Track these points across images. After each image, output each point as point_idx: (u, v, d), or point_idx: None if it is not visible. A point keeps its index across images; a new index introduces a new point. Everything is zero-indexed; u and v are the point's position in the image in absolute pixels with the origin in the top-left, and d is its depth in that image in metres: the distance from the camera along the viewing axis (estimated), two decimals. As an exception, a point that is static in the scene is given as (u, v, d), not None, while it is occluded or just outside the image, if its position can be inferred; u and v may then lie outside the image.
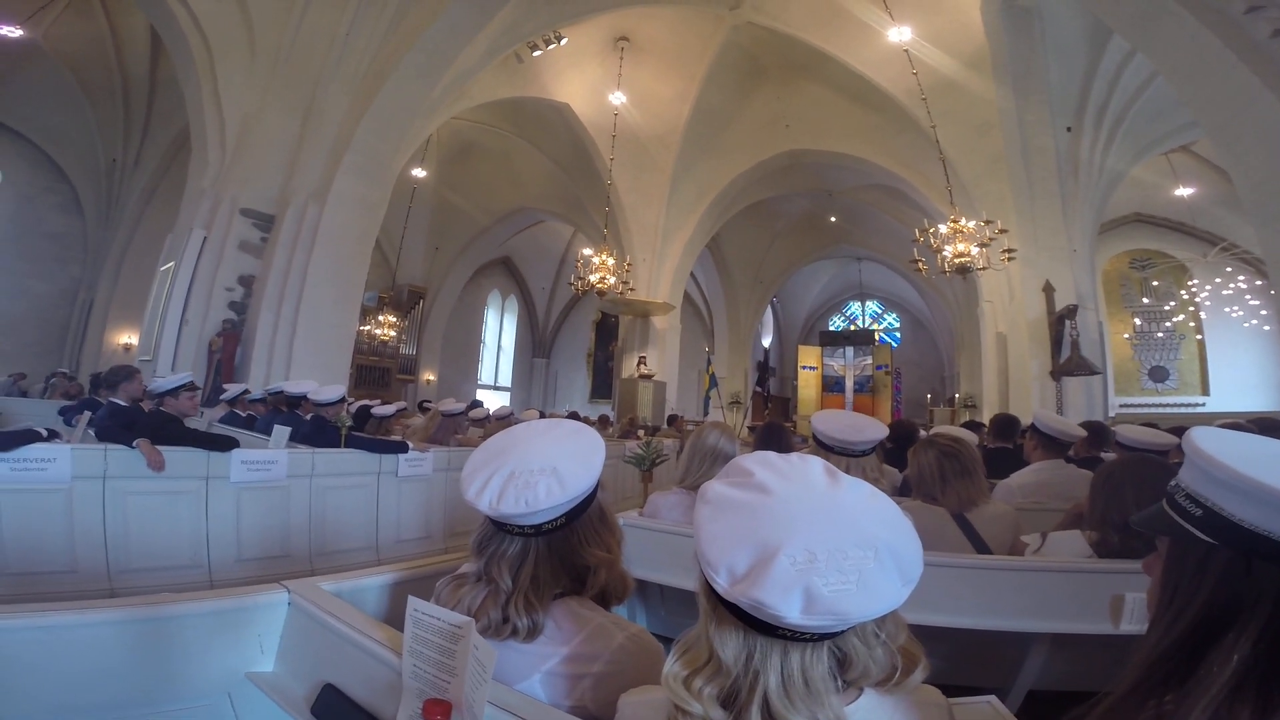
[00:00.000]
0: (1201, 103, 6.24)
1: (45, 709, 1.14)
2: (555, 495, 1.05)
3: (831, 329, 24.10)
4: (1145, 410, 14.46)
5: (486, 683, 0.83)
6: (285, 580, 1.38)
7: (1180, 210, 14.11)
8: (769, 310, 22.46)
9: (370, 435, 5.31)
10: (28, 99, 13.11)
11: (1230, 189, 9.58)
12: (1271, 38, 5.34)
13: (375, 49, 8.91)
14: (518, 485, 1.05)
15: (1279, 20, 5.31)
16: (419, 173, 14.49)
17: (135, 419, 3.83)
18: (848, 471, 0.81)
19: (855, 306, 24.78)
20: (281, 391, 5.69)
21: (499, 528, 1.12)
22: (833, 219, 17.71)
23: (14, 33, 10.23)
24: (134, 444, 3.56)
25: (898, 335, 23.85)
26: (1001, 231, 8.46)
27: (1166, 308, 14.81)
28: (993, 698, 1.10)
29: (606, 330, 20.47)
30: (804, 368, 20.84)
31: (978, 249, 8.59)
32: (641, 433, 8.79)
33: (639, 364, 13.34)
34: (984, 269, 8.90)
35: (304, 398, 5.26)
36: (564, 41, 10.87)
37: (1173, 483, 0.69)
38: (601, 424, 10.93)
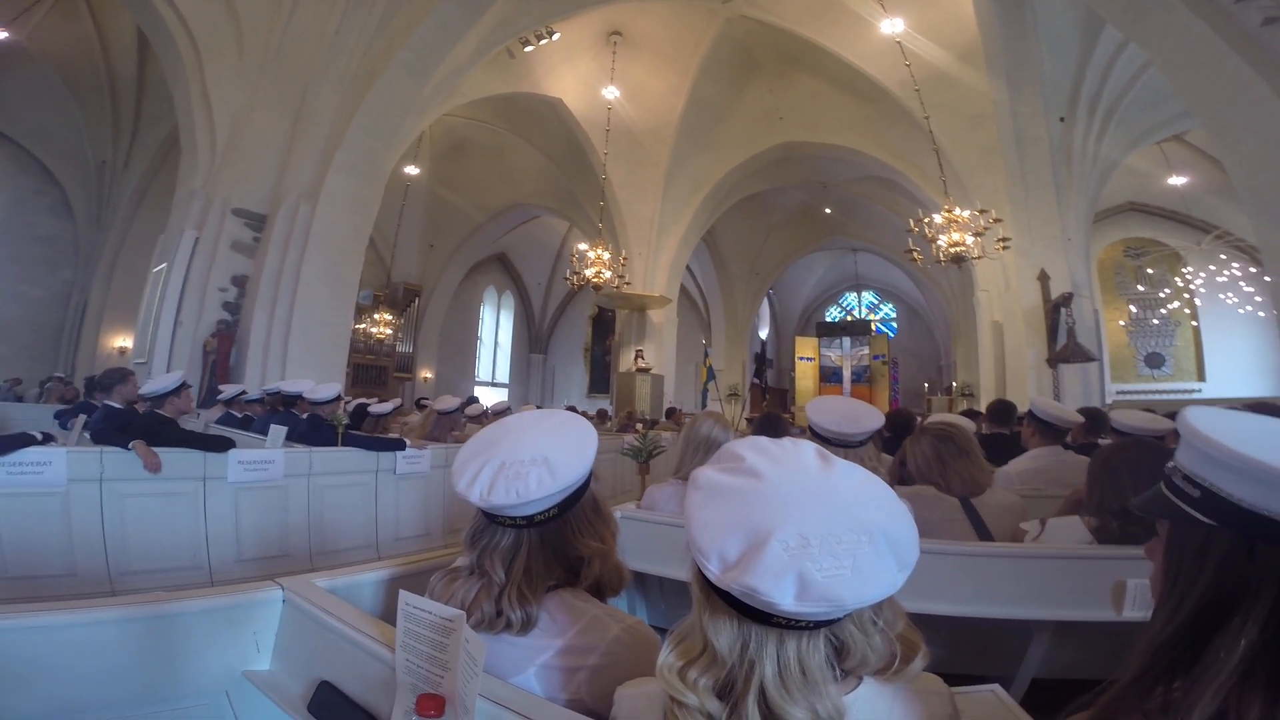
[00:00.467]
0: (1194, 92, 6.24)
1: (44, 709, 1.13)
2: (547, 485, 1.04)
3: (828, 320, 24.12)
4: (1142, 397, 14.52)
5: (478, 676, 0.82)
6: (281, 578, 1.38)
7: (1174, 199, 14.15)
8: (765, 302, 22.47)
9: (367, 434, 5.31)
10: (14, 101, 12.97)
11: (1223, 178, 9.61)
12: (1263, 26, 5.33)
13: (365, 47, 8.85)
14: (509, 476, 1.04)
15: (1270, 8, 5.30)
16: (412, 170, 14.42)
17: (130, 421, 3.82)
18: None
19: (851, 297, 24.79)
20: (278, 391, 5.68)
21: (491, 520, 1.11)
22: (828, 211, 17.69)
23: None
24: (129, 446, 3.55)
25: (894, 325, 23.87)
26: (996, 221, 8.47)
27: (1161, 295, 14.84)
28: (996, 686, 1.09)
29: (603, 325, 20.43)
30: (801, 359, 20.86)
31: (972, 238, 8.61)
32: (640, 426, 8.79)
33: (636, 358, 13.34)
34: (979, 258, 8.92)
35: (300, 397, 5.25)
36: (556, 37, 10.82)
37: (1170, 464, 0.68)
38: (600, 418, 10.94)
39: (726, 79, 12.46)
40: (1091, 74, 9.48)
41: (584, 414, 8.71)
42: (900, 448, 4.03)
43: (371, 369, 16.62)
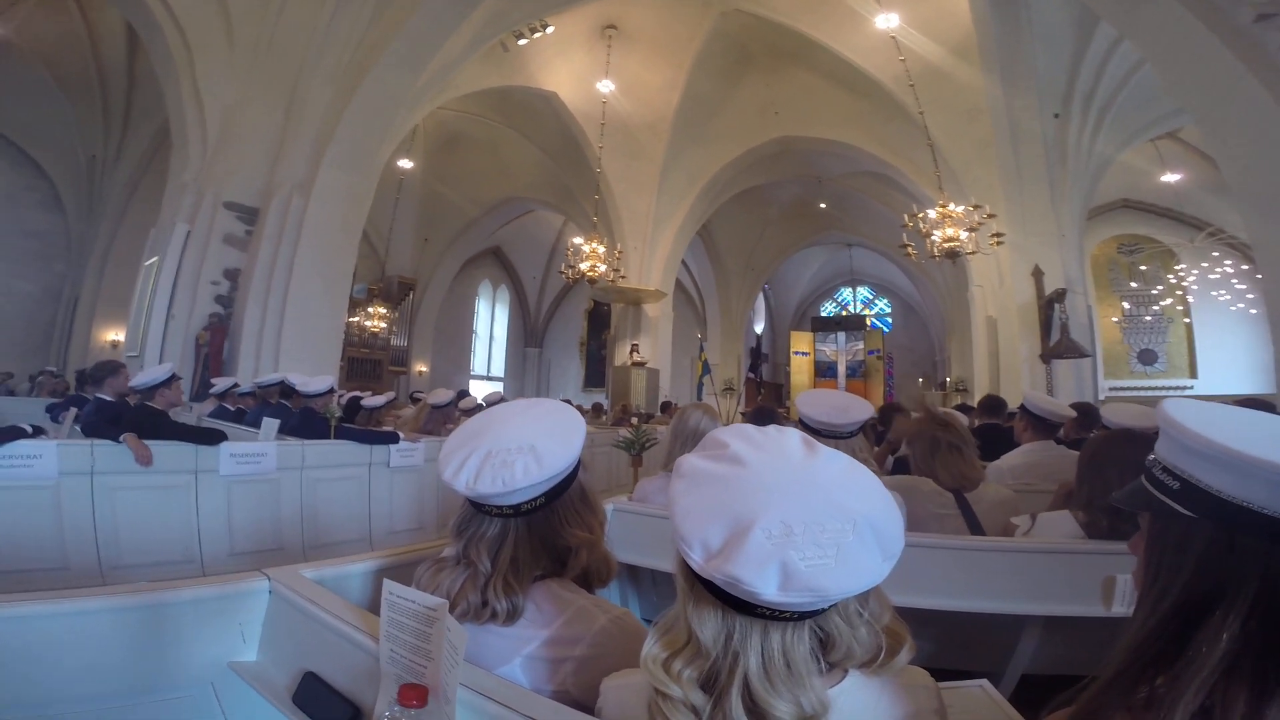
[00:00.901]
0: (1187, 88, 6.24)
1: (30, 699, 1.12)
2: (533, 474, 1.03)
3: (823, 315, 24.14)
4: (1134, 393, 14.60)
5: (459, 665, 0.82)
6: (268, 568, 1.37)
7: (1167, 196, 14.19)
8: (761, 297, 22.48)
9: (360, 427, 5.29)
10: (3, 96, 12.77)
11: (1216, 175, 9.64)
12: (1255, 22, 5.33)
13: (357, 40, 8.77)
14: (494, 464, 1.03)
15: (1261, 5, 5.30)
16: (406, 163, 14.34)
17: (121, 414, 3.81)
18: None
19: (846, 292, 24.81)
20: (274, 384, 5.65)
21: (478, 509, 1.10)
22: (823, 206, 17.69)
23: None
24: (120, 439, 3.54)
25: (889, 320, 23.91)
26: (990, 216, 8.49)
27: (1154, 291, 14.91)
28: (984, 681, 1.09)
29: (599, 319, 20.41)
30: (796, 353, 20.90)
31: (966, 234, 8.64)
32: (635, 420, 8.79)
33: (632, 352, 13.33)
34: (973, 253, 8.95)
35: (293, 390, 5.23)
36: (550, 30, 10.75)
37: (1150, 456, 0.68)
38: (595, 412, 10.94)
39: (721, 73, 12.41)
40: (1086, 70, 9.48)
41: (579, 408, 8.71)
42: (887, 434, 4.06)
43: (366, 363, 16.58)
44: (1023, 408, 3.23)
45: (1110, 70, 9.50)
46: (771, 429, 0.79)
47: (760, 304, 23.03)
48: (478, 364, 22.35)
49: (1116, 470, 1.72)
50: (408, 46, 8.60)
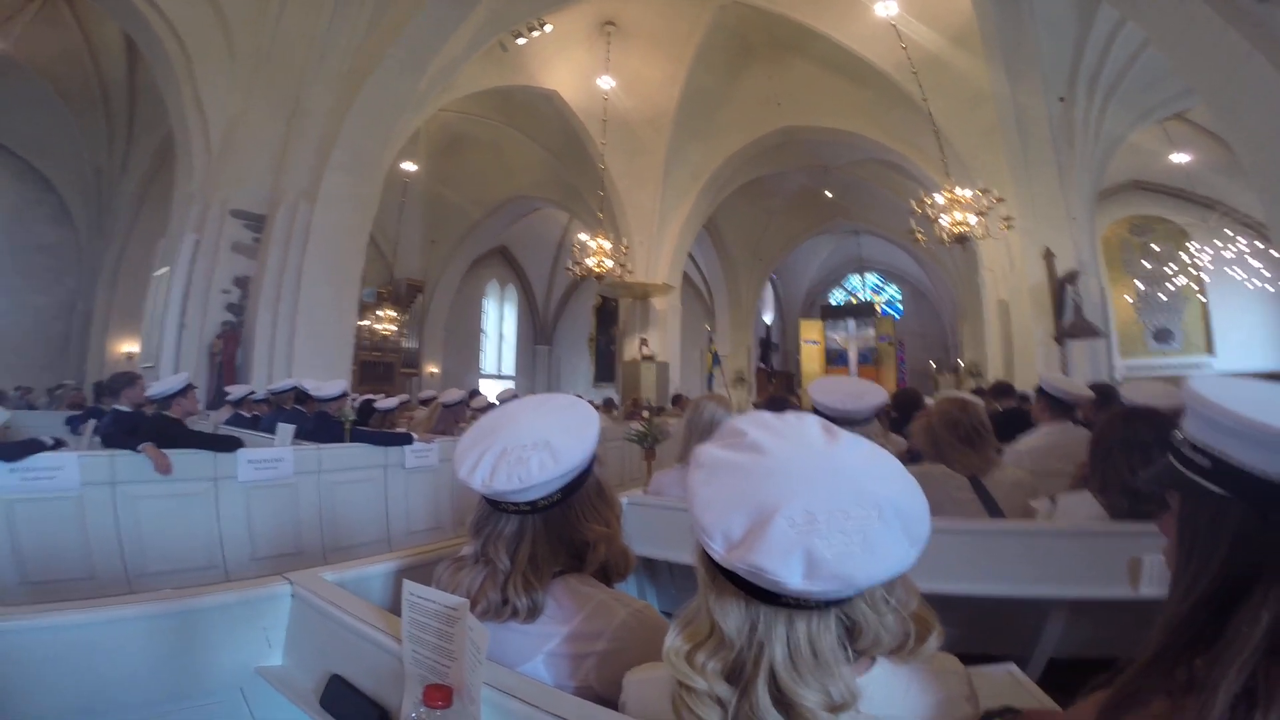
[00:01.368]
0: (1193, 68, 6.15)
1: (65, 709, 1.14)
2: (549, 469, 1.03)
3: (832, 303, 24.01)
4: (1152, 372, 14.45)
5: (482, 664, 0.82)
6: (290, 573, 1.38)
7: (1177, 177, 14.00)
8: (769, 287, 22.39)
9: (374, 429, 5.32)
10: (6, 111, 12.93)
11: (1225, 155, 9.51)
12: (1259, 2, 5.22)
13: (357, 45, 8.79)
14: (510, 461, 1.03)
15: (1266, -18, 5.21)
16: (410, 166, 14.38)
17: (138, 424, 3.85)
18: None
19: (855, 280, 24.66)
20: (287, 390, 5.70)
21: (495, 507, 1.10)
22: (829, 194, 17.57)
23: None
24: (139, 449, 3.57)
25: (899, 307, 23.75)
26: (998, 200, 8.42)
27: (1168, 270, 14.73)
28: (1012, 665, 1.09)
29: (607, 314, 20.43)
30: (807, 342, 20.80)
31: (975, 218, 8.56)
32: (646, 414, 8.79)
33: (641, 346, 13.34)
34: (983, 238, 8.88)
35: (307, 395, 5.27)
36: (549, 28, 10.71)
37: (1177, 434, 0.66)
38: (606, 407, 10.95)
39: (722, 66, 12.34)
40: (1090, 53, 9.34)
41: (590, 403, 8.74)
42: (909, 426, 4.02)
43: (378, 366, 16.69)
44: (1039, 389, 3.18)
45: (1114, 52, 9.36)
46: (790, 415, 0.78)
47: (769, 294, 22.95)
48: (488, 363, 22.44)
49: (1123, 450, 1.70)
50: (407, 50, 8.61)
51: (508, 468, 1.02)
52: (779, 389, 18.51)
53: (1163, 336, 15.50)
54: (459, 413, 5.81)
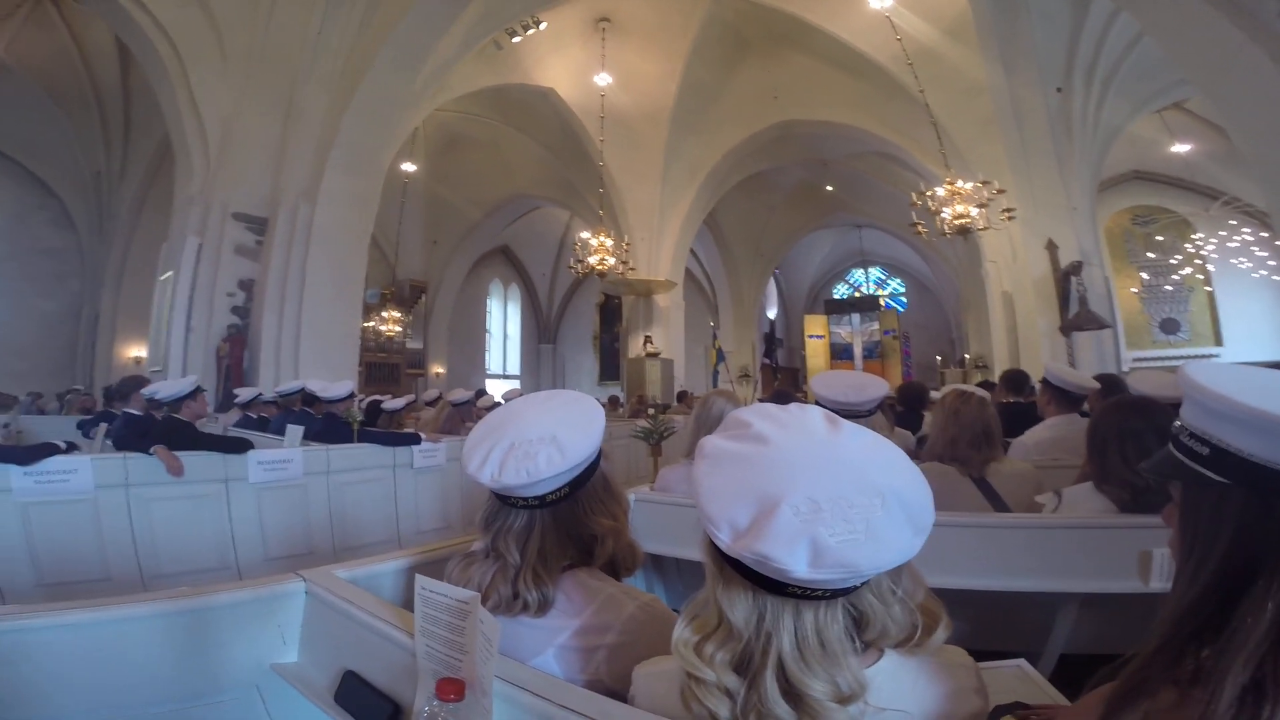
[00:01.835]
0: (1189, 58, 6.16)
1: (78, 709, 1.16)
2: (556, 464, 1.04)
3: (836, 297, 23.97)
4: (1159, 363, 14.36)
5: (494, 657, 0.83)
6: (303, 570, 1.40)
7: (1178, 166, 13.93)
8: (772, 282, 22.35)
9: (382, 429, 5.35)
10: (2, 115, 12.90)
11: (1225, 144, 9.45)
12: None
13: (350, 45, 8.80)
14: (518, 456, 1.04)
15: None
16: (409, 167, 14.38)
17: (149, 427, 3.88)
18: None
19: (858, 273, 24.61)
20: (294, 392, 5.72)
21: (504, 502, 1.12)
22: (829, 188, 17.53)
23: None
24: (151, 451, 3.61)
25: (903, 300, 23.68)
26: (1000, 192, 8.38)
27: (1173, 261, 14.63)
28: (1022, 661, 1.08)
29: (610, 312, 20.41)
30: (811, 337, 20.80)
31: (976, 210, 8.53)
32: (651, 411, 8.81)
33: (645, 343, 13.35)
34: (984, 229, 8.84)
35: (315, 397, 5.29)
36: (543, 26, 10.71)
37: (1176, 423, 0.65)
38: (611, 405, 10.97)
39: (718, 60, 12.31)
40: (1085, 43, 9.29)
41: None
42: (909, 415, 4.00)
43: (384, 367, 16.73)
44: (1044, 381, 3.16)
45: (1110, 43, 9.33)
46: (794, 406, 0.79)
47: (772, 289, 22.91)
48: (493, 363, 22.48)
49: (1118, 441, 1.69)
50: (400, 50, 8.61)
51: (516, 463, 1.04)
52: (784, 384, 18.50)
53: (1169, 327, 15.41)
54: (466, 412, 5.84)
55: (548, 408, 1.15)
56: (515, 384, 22.10)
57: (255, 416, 6.07)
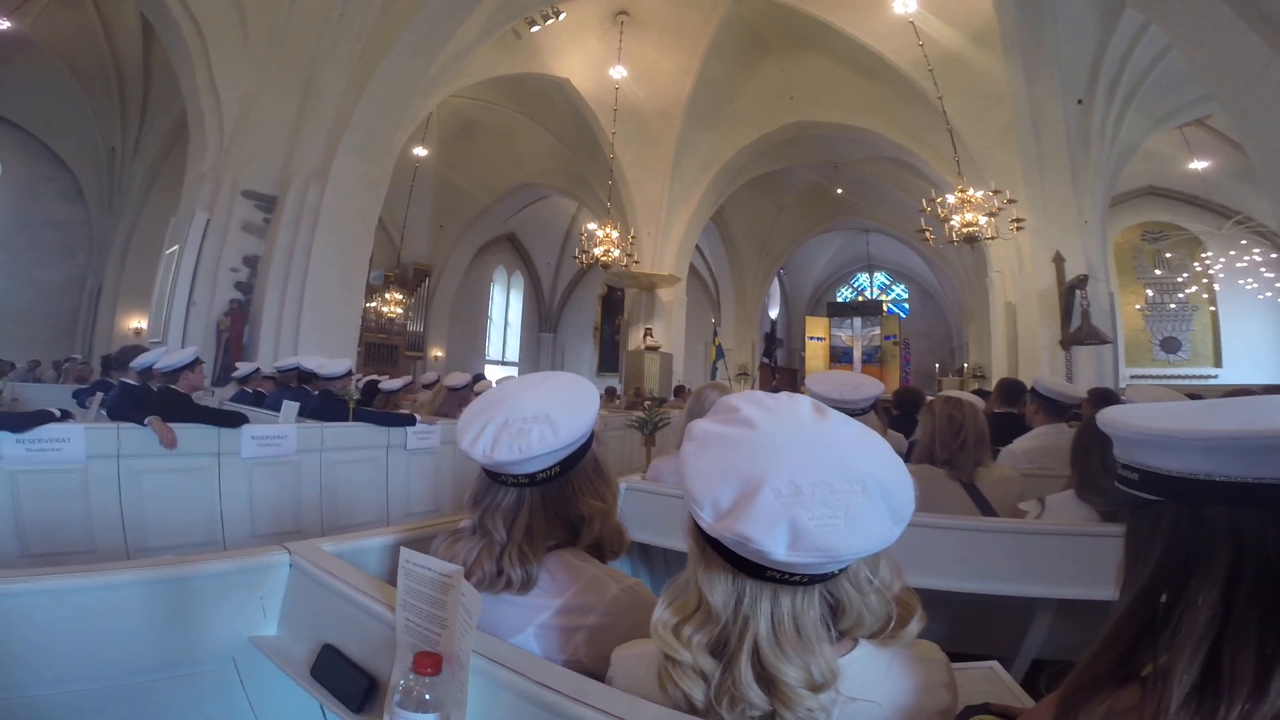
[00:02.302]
0: (1214, 73, 6.12)
1: (59, 674, 1.15)
2: (549, 441, 1.05)
3: (839, 300, 23.93)
4: (1157, 381, 14.34)
5: (473, 630, 0.83)
6: (289, 542, 1.39)
7: (1194, 184, 13.88)
8: (776, 282, 22.33)
9: (378, 409, 5.35)
10: (22, 90, 13.04)
11: (1245, 162, 9.40)
12: None
13: (370, 27, 8.78)
14: (511, 433, 1.05)
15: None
16: (420, 151, 14.37)
17: (145, 398, 3.88)
18: None
19: (863, 278, 24.57)
20: (291, 369, 5.72)
21: (494, 479, 1.13)
22: (839, 191, 17.49)
23: (1, 26, 10.17)
24: (145, 422, 3.60)
25: (906, 306, 23.66)
26: (1010, 201, 8.36)
27: (1179, 279, 14.60)
28: (994, 663, 1.09)
29: (612, 304, 20.43)
30: (812, 339, 20.77)
31: (986, 219, 8.51)
32: (648, 404, 8.81)
33: (645, 336, 13.35)
34: (992, 239, 8.82)
35: (312, 374, 5.29)
36: (562, 17, 10.72)
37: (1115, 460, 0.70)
38: (609, 396, 10.98)
39: (735, 58, 12.27)
40: (1111, 56, 9.27)
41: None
42: (903, 419, 3.99)
43: (383, 348, 16.77)
44: (1033, 391, 3.21)
45: (1136, 57, 9.31)
46: (783, 394, 0.79)
47: (775, 289, 22.90)
48: (493, 349, 22.51)
49: (1098, 453, 1.71)
50: (420, 35, 8.58)
51: (509, 439, 1.04)
52: (782, 384, 18.50)
53: (1170, 346, 15.38)
54: (463, 396, 5.83)
55: (543, 388, 1.15)
56: (514, 371, 22.11)
57: (251, 391, 6.07)
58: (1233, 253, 12.95)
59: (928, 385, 17.99)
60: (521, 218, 19.77)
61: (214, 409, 4.31)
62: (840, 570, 0.70)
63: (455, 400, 5.69)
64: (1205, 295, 14.66)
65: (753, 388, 17.33)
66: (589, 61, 12.29)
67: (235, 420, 3.98)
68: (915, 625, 0.76)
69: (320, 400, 4.85)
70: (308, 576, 1.28)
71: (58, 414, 3.51)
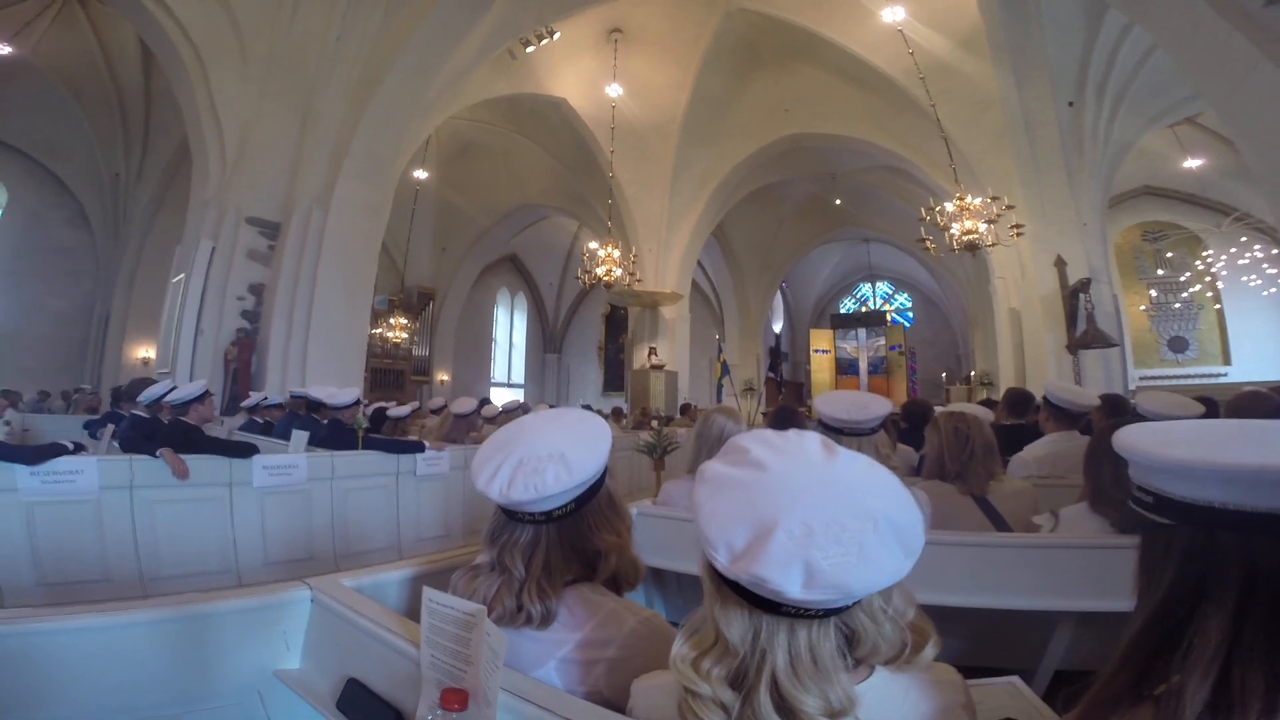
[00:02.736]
0: (1201, 73, 6.15)
1: (79, 712, 1.17)
2: (564, 480, 1.07)
3: (842, 311, 23.95)
4: (1166, 382, 14.26)
5: (499, 668, 0.85)
6: (309, 578, 1.41)
7: (1189, 182, 13.90)
8: (778, 295, 22.36)
9: (386, 436, 5.37)
10: (25, 115, 13.20)
11: (1238, 159, 9.43)
12: (1265, 6, 5.22)
13: (368, 51, 8.91)
14: (526, 472, 1.07)
15: (1272, -11, 5.20)
16: (420, 174, 14.52)
17: (156, 429, 3.91)
18: (858, 451, 0.80)
19: (866, 288, 24.60)
20: (305, 396, 5.76)
21: (510, 516, 1.14)
22: (838, 202, 17.56)
23: (2, 50, 10.26)
24: (157, 453, 3.63)
25: (910, 315, 23.65)
26: (1009, 208, 8.38)
27: (1182, 279, 14.56)
28: (1015, 678, 1.09)
29: (616, 323, 20.49)
30: (816, 351, 20.76)
31: (985, 226, 8.53)
32: (655, 423, 8.81)
33: (649, 355, 13.36)
34: (993, 245, 8.83)
35: (321, 402, 5.33)
36: (557, 36, 10.85)
37: (1131, 480, 0.72)
38: (615, 416, 10.98)
39: (730, 72, 12.40)
40: (1098, 57, 9.32)
41: (599, 412, 8.77)
42: (912, 432, 3.98)
43: (389, 373, 16.80)
44: (1045, 399, 3.21)
45: (1123, 56, 9.35)
46: (791, 433, 0.81)
47: (778, 302, 22.92)
48: (498, 371, 22.53)
49: (1110, 463, 1.70)
50: (417, 57, 8.71)
51: (524, 478, 1.06)
52: (789, 399, 18.47)
53: (1178, 346, 15.30)
54: (471, 422, 5.86)
55: (556, 426, 1.18)
56: (519, 393, 22.13)
57: (260, 420, 6.11)
58: (1234, 250, 12.90)
59: (935, 394, 17.92)
60: (523, 238, 19.88)
61: (225, 440, 4.34)
62: (855, 603, 0.72)
63: (464, 426, 5.72)
64: (1209, 293, 14.60)
65: (759, 403, 17.34)
66: (585, 80, 12.44)
67: (246, 450, 4.01)
68: (930, 650, 0.77)
69: (329, 428, 4.89)
70: (330, 612, 1.30)
71: (71, 446, 3.55)
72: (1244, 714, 0.53)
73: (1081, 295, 9.58)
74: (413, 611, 1.38)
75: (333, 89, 9.00)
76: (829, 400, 2.26)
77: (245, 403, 6.60)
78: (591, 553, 1.16)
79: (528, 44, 10.82)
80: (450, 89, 10.01)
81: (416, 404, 7.30)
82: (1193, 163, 12.96)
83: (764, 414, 14.83)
